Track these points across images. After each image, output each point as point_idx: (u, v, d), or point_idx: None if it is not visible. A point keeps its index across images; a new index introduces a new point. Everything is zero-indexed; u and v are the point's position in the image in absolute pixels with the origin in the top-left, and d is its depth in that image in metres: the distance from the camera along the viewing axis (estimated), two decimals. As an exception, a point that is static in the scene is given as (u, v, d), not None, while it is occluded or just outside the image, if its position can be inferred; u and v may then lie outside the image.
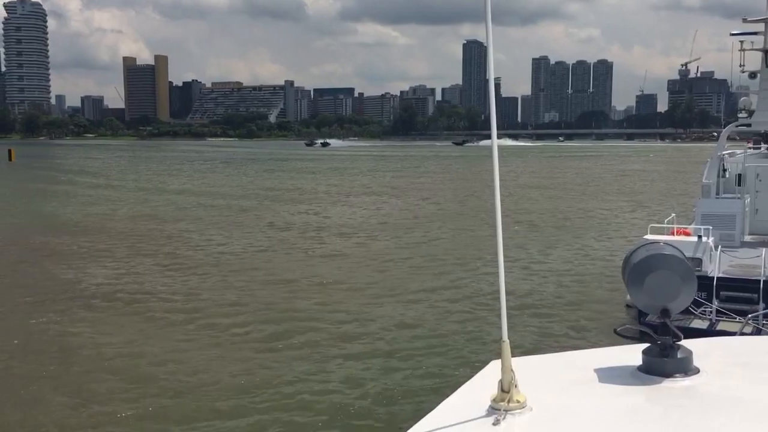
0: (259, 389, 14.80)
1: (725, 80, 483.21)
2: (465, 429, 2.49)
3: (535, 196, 59.74)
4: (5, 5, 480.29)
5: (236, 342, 18.24)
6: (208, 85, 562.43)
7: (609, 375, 2.92)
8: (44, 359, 16.98)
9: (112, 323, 20.13)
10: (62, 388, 15.08)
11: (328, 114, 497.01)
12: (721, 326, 15.98)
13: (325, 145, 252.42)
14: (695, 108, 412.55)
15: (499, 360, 2.61)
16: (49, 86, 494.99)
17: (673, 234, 18.60)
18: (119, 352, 17.35)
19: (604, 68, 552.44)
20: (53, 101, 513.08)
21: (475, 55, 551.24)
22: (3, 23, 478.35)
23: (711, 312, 16.16)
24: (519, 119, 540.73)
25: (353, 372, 15.81)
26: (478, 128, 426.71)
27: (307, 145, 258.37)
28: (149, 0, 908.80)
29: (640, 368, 2.91)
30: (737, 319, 16.17)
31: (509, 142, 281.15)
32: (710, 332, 15.18)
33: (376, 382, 15.17)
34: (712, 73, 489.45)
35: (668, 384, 2.78)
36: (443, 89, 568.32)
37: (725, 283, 16.99)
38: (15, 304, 22.25)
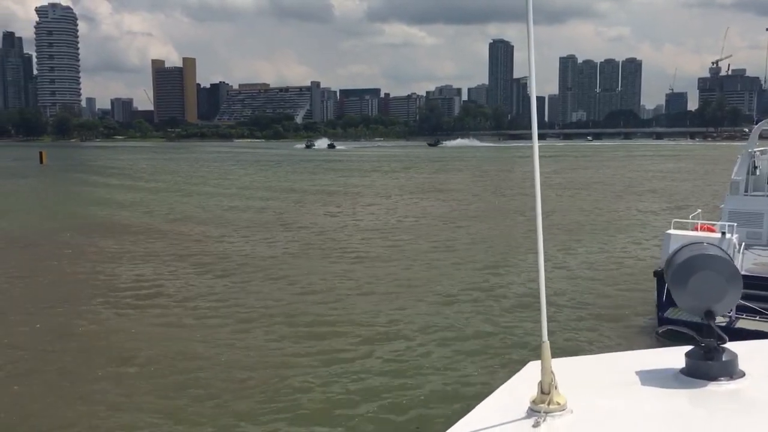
0: (300, 387, 14.82)
1: (757, 78, 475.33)
2: (504, 430, 2.46)
3: (564, 195, 59.17)
4: (37, 9, 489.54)
5: (267, 338, 18.28)
6: (235, 86, 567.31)
7: (651, 377, 2.87)
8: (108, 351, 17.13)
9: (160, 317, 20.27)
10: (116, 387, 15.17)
11: (354, 115, 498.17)
12: (740, 324, 15.63)
13: (331, 147, 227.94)
14: (726, 106, 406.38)
15: (538, 361, 2.59)
16: (80, 89, 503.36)
17: (696, 230, 18.18)
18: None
19: (633, 67, 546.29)
20: (84, 104, 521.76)
21: (501, 54, 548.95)
22: (35, 27, 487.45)
23: (731, 309, 15.77)
24: (546, 118, 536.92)
25: (390, 371, 15.68)
26: (505, 128, 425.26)
27: (307, 147, 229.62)
28: (178, 3, 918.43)
29: (683, 371, 2.86)
30: (758, 318, 15.78)
31: (520, 142, 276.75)
32: (729, 329, 14.90)
33: (414, 381, 15.03)
34: (744, 70, 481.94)
35: (713, 387, 2.72)
36: (469, 89, 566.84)
37: (747, 280, 16.53)
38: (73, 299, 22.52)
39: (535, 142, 2.59)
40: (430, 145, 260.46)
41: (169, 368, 16.11)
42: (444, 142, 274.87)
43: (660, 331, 15.72)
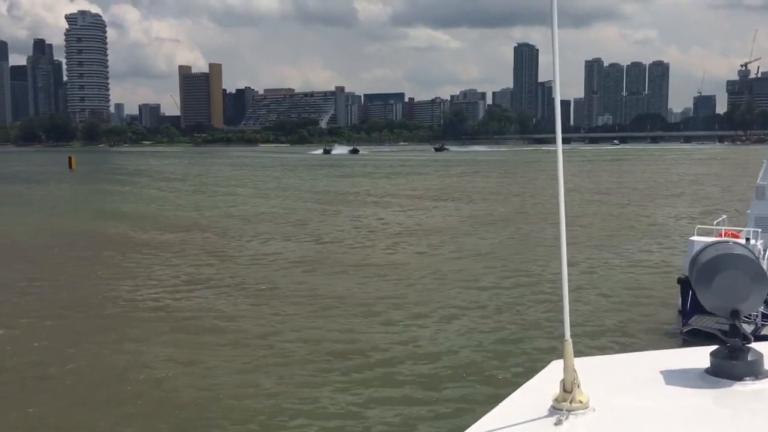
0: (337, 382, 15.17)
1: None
2: (527, 428, 2.46)
3: (592, 200, 58.89)
4: (67, 17, 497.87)
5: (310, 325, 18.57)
6: (261, 92, 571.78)
7: (675, 377, 2.83)
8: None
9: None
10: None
11: (378, 119, 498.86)
12: (767, 331, 15.55)
13: (354, 152, 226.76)
14: (756, 109, 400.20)
15: (561, 360, 2.59)
16: (109, 95, 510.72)
17: (720, 236, 18.11)
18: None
19: (660, 70, 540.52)
20: (112, 109, 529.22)
21: (526, 58, 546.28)
22: (65, 34, 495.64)
23: (757, 316, 15.69)
24: (571, 122, 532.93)
25: (414, 370, 15.96)
26: (529, 131, 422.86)
27: (325, 152, 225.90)
28: (205, 9, 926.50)
29: (708, 370, 2.82)
30: None
31: (542, 146, 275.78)
32: (756, 337, 14.78)
33: (438, 378, 15.32)
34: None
35: (738, 387, 2.69)
36: (494, 93, 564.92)
37: None
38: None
39: (559, 145, 2.61)
40: (436, 150, 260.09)
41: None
42: (448, 148, 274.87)
43: (684, 330, 15.68)
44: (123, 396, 14.85)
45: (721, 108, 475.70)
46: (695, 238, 17.50)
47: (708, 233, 18.39)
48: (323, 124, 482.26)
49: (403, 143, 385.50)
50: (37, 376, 16.11)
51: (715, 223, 19.74)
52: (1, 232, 40.45)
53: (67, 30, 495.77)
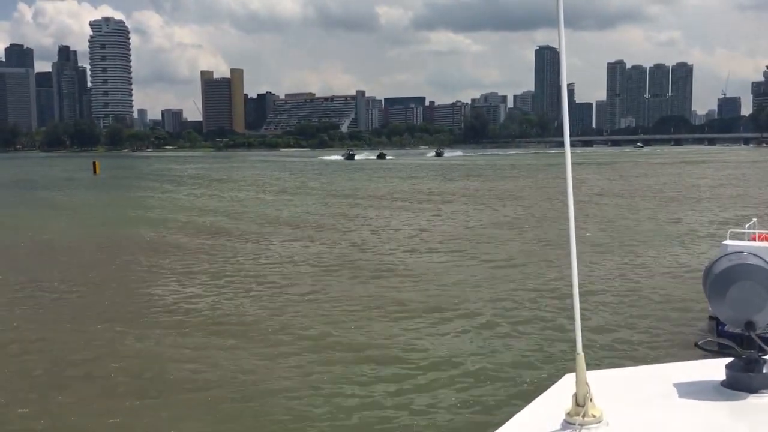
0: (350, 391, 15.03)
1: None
2: None
3: (616, 203, 58.29)
4: (91, 24, 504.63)
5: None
6: (282, 96, 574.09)
7: (690, 390, 2.79)
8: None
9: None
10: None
11: (399, 123, 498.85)
12: None
13: (381, 157, 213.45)
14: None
15: (574, 373, 2.58)
16: (132, 100, 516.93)
17: (754, 239, 17.70)
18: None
19: (684, 71, 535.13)
20: (136, 115, 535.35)
21: (548, 61, 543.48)
22: (89, 41, 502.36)
23: None
24: (594, 125, 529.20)
25: (427, 382, 15.77)
26: (551, 135, 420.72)
27: (347, 158, 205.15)
28: (227, 15, 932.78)
29: (723, 383, 2.79)
30: None
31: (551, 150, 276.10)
32: None
33: (450, 393, 15.08)
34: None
35: (754, 400, 2.66)
36: (515, 96, 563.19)
37: None
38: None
39: (567, 152, 2.61)
40: (437, 154, 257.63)
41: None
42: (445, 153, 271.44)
43: (700, 342, 15.30)
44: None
45: (747, 110, 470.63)
46: (728, 242, 17.13)
47: (741, 237, 18.01)
48: (344, 129, 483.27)
49: (423, 147, 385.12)
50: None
51: (746, 227, 19.32)
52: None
53: (91, 36, 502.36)
